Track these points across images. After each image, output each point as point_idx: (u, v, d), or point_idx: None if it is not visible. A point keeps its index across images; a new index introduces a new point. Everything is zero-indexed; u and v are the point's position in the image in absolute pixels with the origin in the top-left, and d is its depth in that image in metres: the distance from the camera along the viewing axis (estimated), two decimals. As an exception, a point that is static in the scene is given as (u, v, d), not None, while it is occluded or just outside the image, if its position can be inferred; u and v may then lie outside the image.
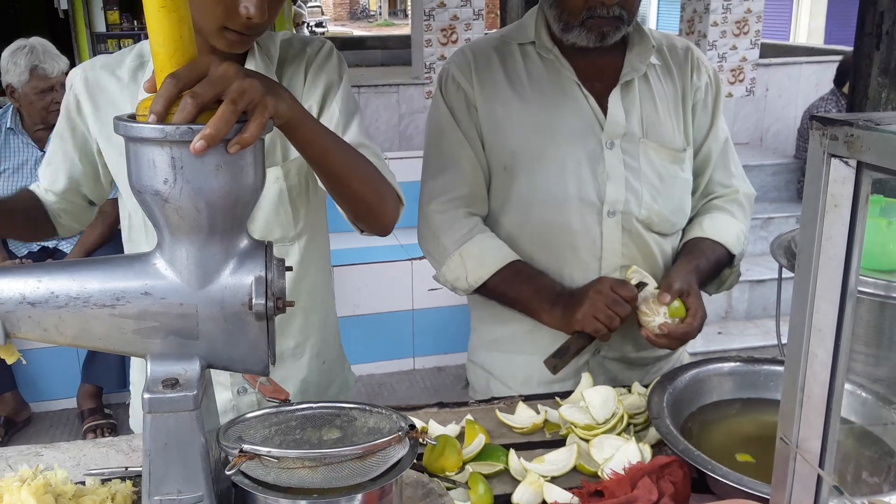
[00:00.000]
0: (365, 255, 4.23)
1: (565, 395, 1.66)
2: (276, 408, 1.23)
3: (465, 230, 1.72)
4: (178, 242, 1.05)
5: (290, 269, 1.16)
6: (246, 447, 1.05)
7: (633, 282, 1.65)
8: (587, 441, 1.46)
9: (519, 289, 1.70)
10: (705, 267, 1.73)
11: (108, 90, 1.52)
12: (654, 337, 1.61)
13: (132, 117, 1.02)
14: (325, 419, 1.24)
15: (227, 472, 1.03)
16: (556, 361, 1.62)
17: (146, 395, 1.05)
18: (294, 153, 1.57)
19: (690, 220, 1.83)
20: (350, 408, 1.25)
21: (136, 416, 1.77)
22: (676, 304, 1.61)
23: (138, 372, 1.76)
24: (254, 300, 1.05)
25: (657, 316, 1.59)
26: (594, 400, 1.50)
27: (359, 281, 4.28)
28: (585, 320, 1.60)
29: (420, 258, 4.18)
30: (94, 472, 1.36)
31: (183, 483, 1.07)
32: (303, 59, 1.56)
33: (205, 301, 1.06)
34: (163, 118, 0.97)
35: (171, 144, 0.99)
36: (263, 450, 1.05)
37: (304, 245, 1.65)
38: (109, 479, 1.34)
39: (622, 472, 1.30)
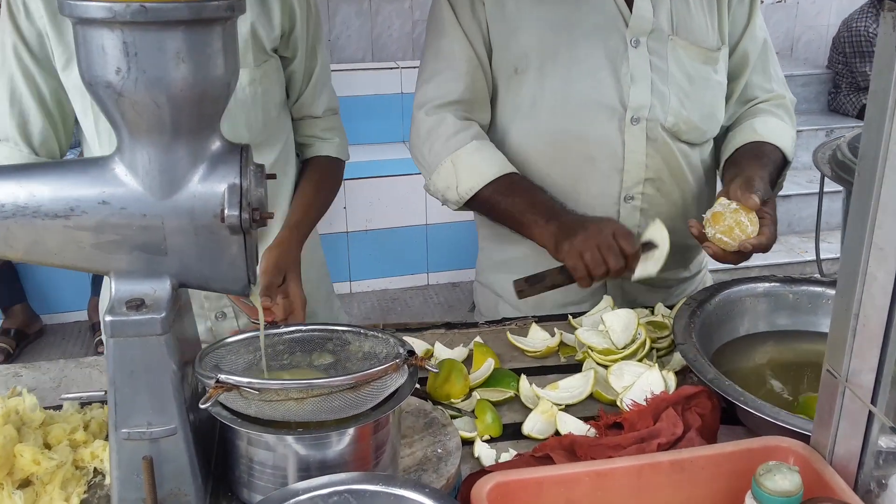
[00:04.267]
0: (377, 169, 4.08)
1: (578, 315, 1.54)
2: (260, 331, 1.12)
3: (459, 136, 1.55)
4: (139, 144, 0.91)
5: (272, 176, 1.03)
6: (223, 377, 0.94)
7: (644, 238, 1.42)
8: (605, 367, 1.34)
9: (512, 200, 1.50)
10: (772, 172, 1.53)
11: None
12: (724, 253, 1.38)
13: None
14: (316, 343, 1.13)
15: (202, 406, 0.92)
16: (525, 287, 1.45)
17: (108, 318, 0.93)
18: (268, 58, 1.51)
19: (732, 127, 1.66)
20: (343, 330, 1.13)
21: None
22: (752, 213, 1.38)
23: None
24: (226, 211, 0.92)
25: (741, 227, 1.35)
26: (614, 324, 1.37)
27: (371, 195, 4.14)
28: (570, 253, 1.39)
29: (433, 171, 4.03)
30: (70, 395, 1.26)
31: (153, 414, 0.96)
32: None
33: (171, 212, 0.93)
34: None
35: (123, 26, 0.84)
36: (243, 380, 0.93)
37: (277, 155, 1.53)
38: (88, 404, 1.24)
39: (643, 403, 1.19)
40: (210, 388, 0.94)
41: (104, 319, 0.93)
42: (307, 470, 0.97)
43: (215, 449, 1.08)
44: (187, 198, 0.93)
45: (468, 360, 1.40)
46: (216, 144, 0.94)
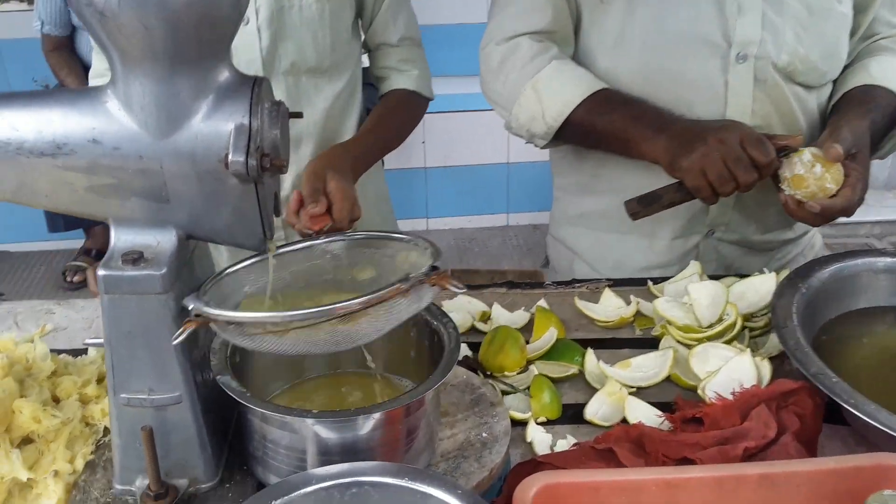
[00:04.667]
0: (458, 103, 3.88)
1: (660, 281, 1.35)
2: (287, 245, 0.99)
3: (537, 60, 1.35)
4: (132, 75, 0.77)
5: (297, 115, 0.87)
6: (195, 306, 0.81)
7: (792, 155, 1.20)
8: (687, 347, 1.16)
9: (611, 118, 1.30)
10: (880, 122, 1.31)
11: None
12: (796, 207, 1.21)
13: None
14: (360, 254, 0.99)
15: (173, 342, 0.80)
16: (639, 208, 1.27)
17: (102, 272, 0.81)
18: None
19: (847, 67, 1.41)
20: (389, 237, 0.98)
21: None
22: (837, 167, 1.20)
23: None
24: (230, 156, 0.77)
25: (815, 179, 1.17)
26: (700, 297, 1.18)
27: (451, 131, 3.96)
28: (691, 171, 1.19)
29: (518, 107, 3.82)
30: (95, 341, 1.16)
31: (155, 380, 0.85)
32: None
33: (171, 154, 0.80)
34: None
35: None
36: (215, 312, 0.80)
37: (343, 84, 1.37)
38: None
39: (730, 397, 1.01)
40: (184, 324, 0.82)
41: (98, 274, 0.81)
42: (326, 454, 0.84)
43: (235, 417, 0.96)
44: (188, 139, 0.79)
45: (528, 327, 1.24)
46: (224, 76, 0.79)
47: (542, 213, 4.24)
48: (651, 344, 1.21)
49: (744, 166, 1.16)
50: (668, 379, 1.13)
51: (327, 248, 0.98)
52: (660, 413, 1.04)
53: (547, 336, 1.19)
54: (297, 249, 0.97)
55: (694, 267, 1.33)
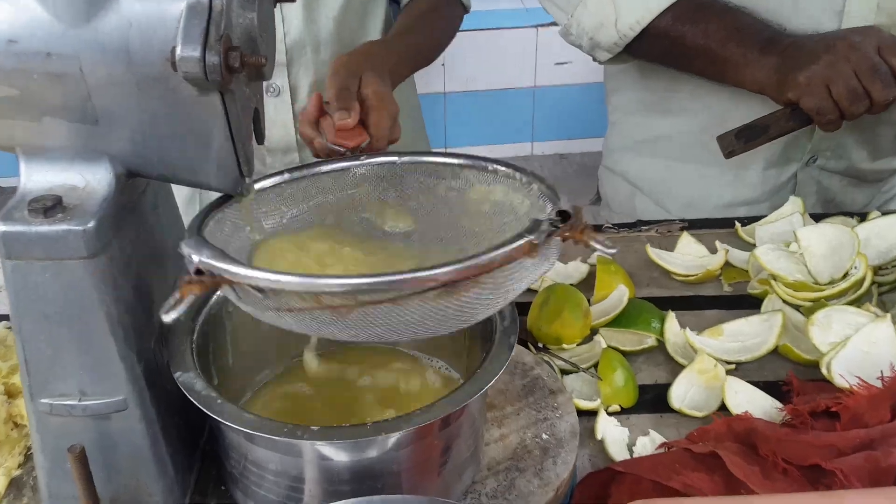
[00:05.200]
0: (479, 21, 3.54)
1: (752, 221, 1.08)
2: (319, 163, 0.73)
3: None
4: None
5: (289, -3, 0.60)
6: (200, 257, 0.54)
7: None
8: (796, 308, 0.90)
9: (705, 28, 1.02)
10: None
11: None
12: None
13: None
14: (404, 184, 0.72)
15: (165, 317, 0.53)
16: (736, 143, 1.01)
17: (2, 227, 0.56)
18: None
19: None
20: (449, 163, 0.72)
21: None
22: None
23: None
24: (179, 49, 0.50)
25: None
26: (814, 244, 0.92)
27: (472, 52, 3.62)
28: (811, 87, 0.94)
29: (548, 24, 3.49)
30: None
31: (88, 380, 0.60)
32: None
33: (93, 48, 0.53)
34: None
35: None
36: (242, 271, 0.53)
37: None
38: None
39: (876, 383, 0.75)
40: (181, 285, 0.54)
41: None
42: (332, 482, 0.60)
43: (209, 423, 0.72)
44: (117, 25, 0.52)
45: (587, 283, 0.98)
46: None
47: (569, 141, 3.95)
48: (745, 304, 0.95)
49: (883, 78, 0.88)
50: (775, 351, 0.87)
51: (366, 172, 0.72)
52: (780, 405, 0.78)
53: (615, 296, 0.93)
54: (322, 172, 0.71)
55: (794, 204, 1.06)
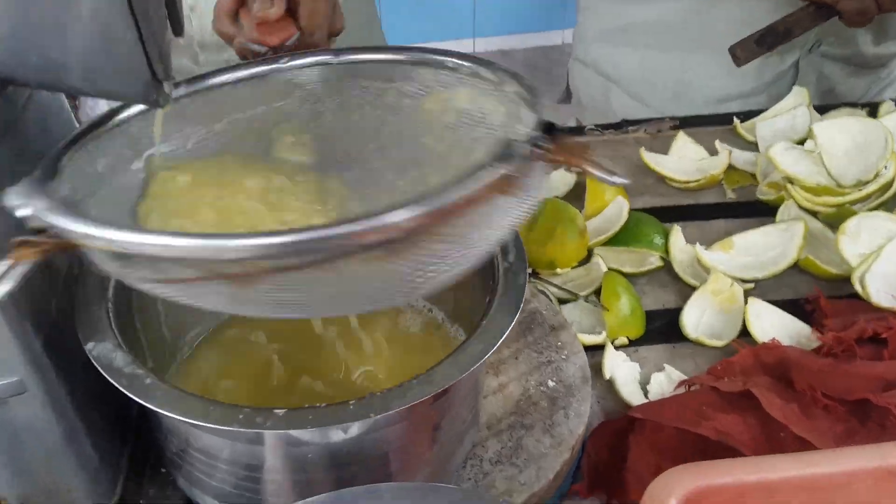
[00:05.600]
0: None
1: (749, 116, 0.96)
2: (244, 64, 0.56)
3: None
4: None
5: None
6: (35, 207, 0.38)
7: None
8: (815, 215, 0.79)
9: None
10: None
11: None
12: None
13: None
14: (351, 91, 0.55)
15: None
16: (753, 49, 0.88)
17: None
18: None
19: None
20: (413, 61, 0.54)
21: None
22: None
23: None
24: None
25: None
26: (837, 142, 0.80)
27: (405, -61, 3.38)
28: None
29: None
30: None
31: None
32: None
33: None
34: None
35: None
36: (87, 228, 0.37)
37: None
38: None
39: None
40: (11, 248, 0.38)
41: None
42: (300, 471, 0.47)
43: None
44: None
45: (574, 196, 0.86)
46: None
47: (511, 36, 3.77)
48: (754, 212, 0.84)
49: None
50: (795, 266, 0.77)
51: (293, 76, 0.55)
52: (815, 333, 0.68)
53: (613, 209, 0.80)
54: (241, 78, 0.54)
55: (799, 95, 0.94)
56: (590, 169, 0.41)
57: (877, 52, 1.04)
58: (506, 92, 0.49)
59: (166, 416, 0.43)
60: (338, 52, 0.55)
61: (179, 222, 0.45)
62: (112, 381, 0.44)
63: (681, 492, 0.48)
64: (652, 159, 0.88)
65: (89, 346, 0.45)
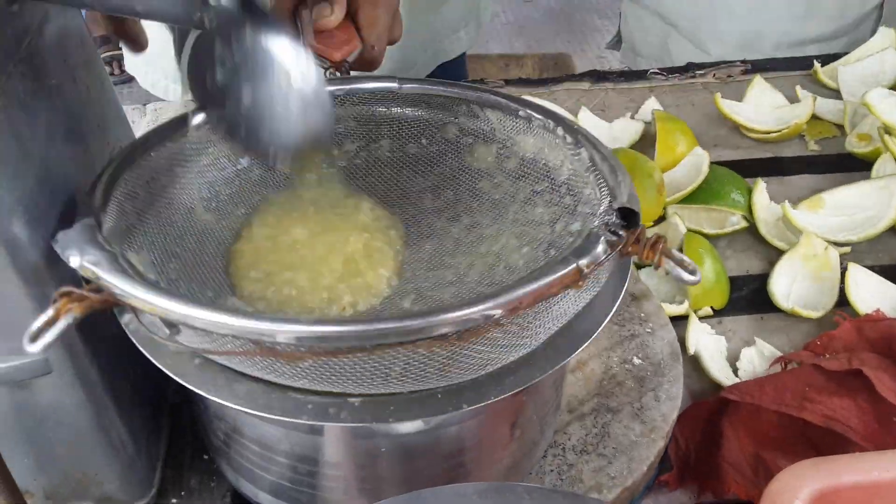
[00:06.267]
0: None
1: (828, 60, 0.88)
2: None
3: None
4: None
5: None
6: (85, 260, 0.34)
7: None
8: (918, 170, 0.71)
9: None
10: None
11: None
12: None
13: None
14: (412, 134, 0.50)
15: (28, 346, 0.32)
16: None
17: None
18: None
19: None
20: (479, 101, 0.49)
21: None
22: None
23: None
24: None
25: None
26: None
27: None
28: None
29: None
30: None
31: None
32: None
33: None
34: None
35: None
36: (159, 300, 0.33)
37: None
38: None
39: None
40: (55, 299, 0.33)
41: None
42: (371, 466, 0.41)
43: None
44: None
45: (641, 147, 0.78)
46: None
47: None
48: (843, 166, 0.76)
49: None
50: (893, 228, 0.69)
51: (351, 103, 0.50)
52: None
53: (690, 162, 0.72)
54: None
55: (886, 37, 0.85)
56: (667, 266, 0.37)
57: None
58: (581, 158, 0.44)
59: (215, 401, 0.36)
60: (401, 80, 0.50)
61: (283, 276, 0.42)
62: (155, 361, 0.37)
63: (808, 492, 0.41)
64: (728, 107, 0.80)
65: (126, 319, 0.38)
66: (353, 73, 0.53)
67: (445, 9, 0.94)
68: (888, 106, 0.72)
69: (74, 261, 0.35)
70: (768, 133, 0.79)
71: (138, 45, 0.45)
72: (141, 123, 0.82)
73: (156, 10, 0.37)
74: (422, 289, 0.42)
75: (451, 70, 1.01)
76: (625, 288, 0.40)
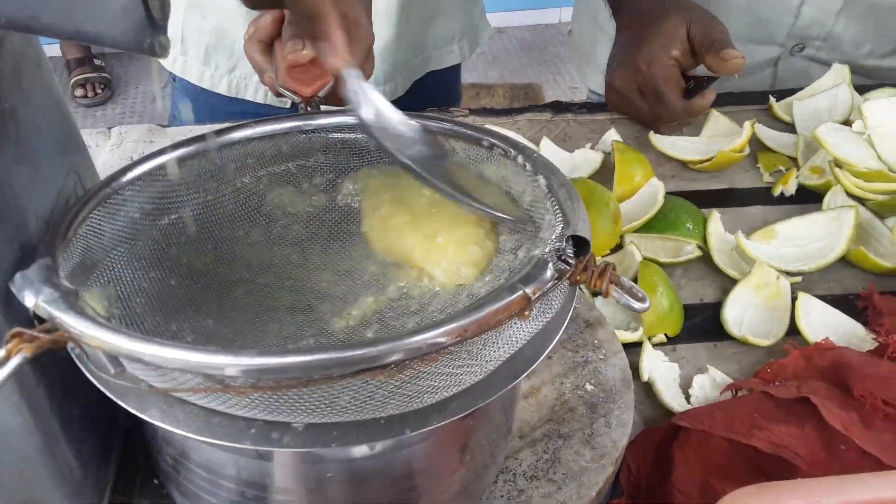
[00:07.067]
0: None
1: (784, 95, 0.90)
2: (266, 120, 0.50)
3: None
4: None
5: None
6: (44, 303, 0.35)
7: None
8: (863, 203, 0.73)
9: None
10: None
11: None
12: None
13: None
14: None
15: None
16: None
17: None
18: None
19: None
20: (444, 131, 0.51)
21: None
22: None
23: None
24: None
25: None
26: (890, 123, 0.74)
27: None
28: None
29: None
30: None
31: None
32: None
33: None
34: None
35: None
36: (108, 337, 0.34)
37: None
38: None
39: None
40: (7, 340, 0.34)
41: None
42: (319, 491, 0.41)
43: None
44: None
45: (600, 178, 0.79)
46: None
47: (509, 13, 3.68)
48: (794, 198, 0.78)
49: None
50: (843, 260, 0.71)
51: (318, 136, 0.52)
52: (869, 333, 0.62)
53: (646, 192, 0.74)
54: (260, 135, 0.50)
55: (838, 73, 0.88)
56: (615, 294, 0.38)
57: (877, 63, 0.97)
58: (539, 184, 0.45)
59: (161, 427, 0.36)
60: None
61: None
62: (99, 386, 0.37)
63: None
64: (659, 141, 0.82)
65: (77, 351, 0.38)
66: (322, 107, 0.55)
67: (439, 21, 0.98)
68: (838, 140, 0.74)
69: (30, 301, 0.35)
70: (703, 161, 0.80)
71: None
72: (105, 146, 0.82)
73: (106, 36, 0.38)
74: (386, 318, 0.42)
75: (443, 79, 1.04)
76: (569, 316, 0.41)
